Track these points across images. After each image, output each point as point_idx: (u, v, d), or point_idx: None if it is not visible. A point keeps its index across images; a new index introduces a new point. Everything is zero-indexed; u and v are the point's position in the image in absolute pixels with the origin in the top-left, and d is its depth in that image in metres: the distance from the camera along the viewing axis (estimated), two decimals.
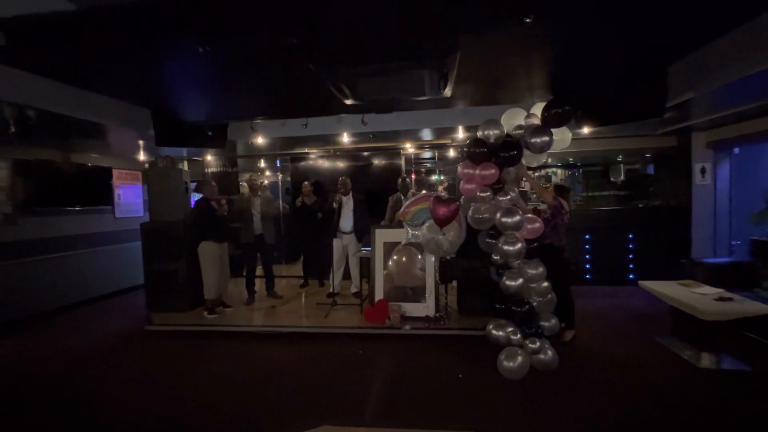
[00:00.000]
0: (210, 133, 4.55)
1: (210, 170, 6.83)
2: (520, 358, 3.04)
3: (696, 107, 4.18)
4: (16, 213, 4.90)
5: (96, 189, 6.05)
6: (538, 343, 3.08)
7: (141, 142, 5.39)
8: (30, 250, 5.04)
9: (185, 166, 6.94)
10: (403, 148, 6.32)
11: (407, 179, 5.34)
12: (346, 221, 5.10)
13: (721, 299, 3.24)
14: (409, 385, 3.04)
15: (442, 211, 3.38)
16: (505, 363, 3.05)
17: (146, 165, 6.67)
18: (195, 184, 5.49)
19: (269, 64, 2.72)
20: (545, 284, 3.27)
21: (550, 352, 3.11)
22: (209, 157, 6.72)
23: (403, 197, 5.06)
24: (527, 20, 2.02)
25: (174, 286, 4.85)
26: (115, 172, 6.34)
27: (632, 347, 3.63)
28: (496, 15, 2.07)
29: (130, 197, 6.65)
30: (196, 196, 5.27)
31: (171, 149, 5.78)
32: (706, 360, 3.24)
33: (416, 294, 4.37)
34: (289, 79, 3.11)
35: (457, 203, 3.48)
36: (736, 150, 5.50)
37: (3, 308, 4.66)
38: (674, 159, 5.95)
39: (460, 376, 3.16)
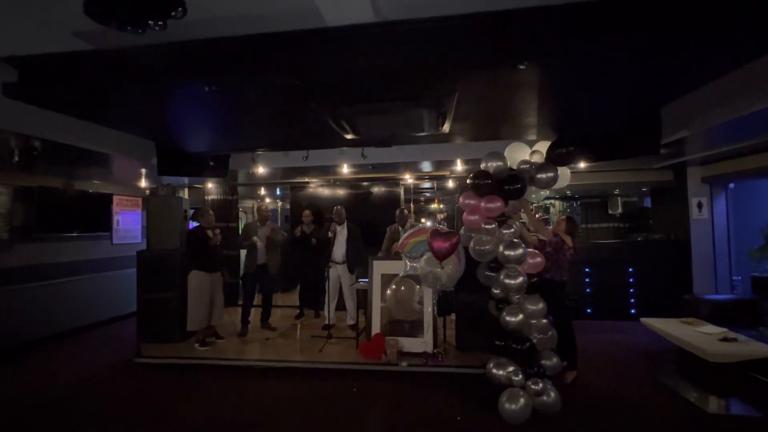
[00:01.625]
0: (212, 164, 4.62)
1: (210, 197, 6.87)
2: (522, 401, 2.92)
3: (691, 144, 4.27)
4: (12, 239, 4.88)
5: (95, 215, 6.05)
6: (540, 384, 2.97)
7: (143, 170, 5.45)
8: (24, 277, 4.98)
9: (186, 193, 6.99)
10: (403, 179, 6.40)
11: (405, 210, 5.35)
12: (338, 251, 5.08)
13: (725, 339, 3.17)
14: (405, 429, 2.91)
15: (441, 245, 3.36)
16: (507, 405, 2.93)
17: (147, 191, 6.72)
18: (193, 211, 5.52)
19: (272, 102, 2.81)
20: (545, 321, 3.20)
21: (552, 394, 3.00)
22: (210, 185, 6.77)
23: (401, 228, 5.05)
24: (521, 66, 2.10)
25: (166, 316, 4.74)
26: (115, 199, 6.37)
27: (637, 389, 3.51)
28: (492, 61, 2.16)
29: (128, 223, 6.65)
30: (193, 224, 5.27)
31: (173, 177, 5.84)
32: (715, 404, 3.12)
33: (414, 328, 4.27)
34: (292, 115, 3.19)
35: (456, 237, 3.46)
36: (732, 185, 5.57)
37: None
38: (671, 193, 6.01)
39: (459, 418, 3.04)
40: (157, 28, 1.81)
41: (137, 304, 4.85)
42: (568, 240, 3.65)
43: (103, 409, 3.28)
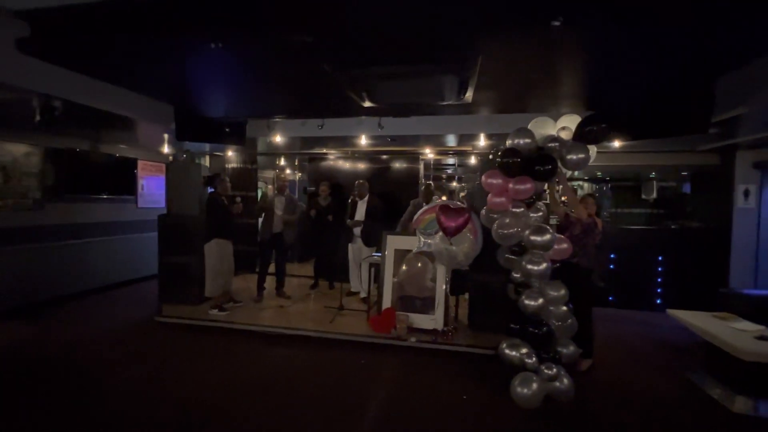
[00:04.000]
0: (228, 130, 4.57)
1: (230, 166, 6.91)
2: (535, 385, 2.80)
3: (746, 124, 3.83)
4: (44, 198, 5.10)
5: (121, 179, 6.24)
6: (554, 370, 2.85)
7: (166, 135, 5.50)
8: (55, 235, 5.23)
9: (207, 160, 7.07)
10: (423, 153, 6.18)
11: (431, 185, 5.16)
12: (356, 226, 5.05)
13: (762, 338, 2.92)
14: (409, 403, 2.90)
15: (450, 223, 3.22)
16: (519, 389, 2.82)
17: (170, 157, 6.83)
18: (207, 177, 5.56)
19: (284, 63, 2.66)
20: (564, 308, 3.05)
21: (566, 381, 2.88)
22: (230, 153, 6.80)
23: (425, 204, 4.89)
24: (555, 23, 1.86)
25: (186, 279, 4.89)
26: (140, 163, 6.52)
27: (658, 382, 3.34)
28: (521, 16, 1.91)
29: (153, 188, 6.82)
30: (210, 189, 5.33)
31: (194, 144, 5.88)
32: (741, 404, 2.93)
33: (425, 305, 4.21)
34: (306, 79, 3.04)
35: (467, 214, 3.31)
36: None
37: (25, 291, 4.85)
38: (715, 178, 5.52)
39: (465, 397, 2.99)
40: None
41: (159, 266, 5.02)
42: (599, 223, 3.41)
43: (125, 363, 3.45)
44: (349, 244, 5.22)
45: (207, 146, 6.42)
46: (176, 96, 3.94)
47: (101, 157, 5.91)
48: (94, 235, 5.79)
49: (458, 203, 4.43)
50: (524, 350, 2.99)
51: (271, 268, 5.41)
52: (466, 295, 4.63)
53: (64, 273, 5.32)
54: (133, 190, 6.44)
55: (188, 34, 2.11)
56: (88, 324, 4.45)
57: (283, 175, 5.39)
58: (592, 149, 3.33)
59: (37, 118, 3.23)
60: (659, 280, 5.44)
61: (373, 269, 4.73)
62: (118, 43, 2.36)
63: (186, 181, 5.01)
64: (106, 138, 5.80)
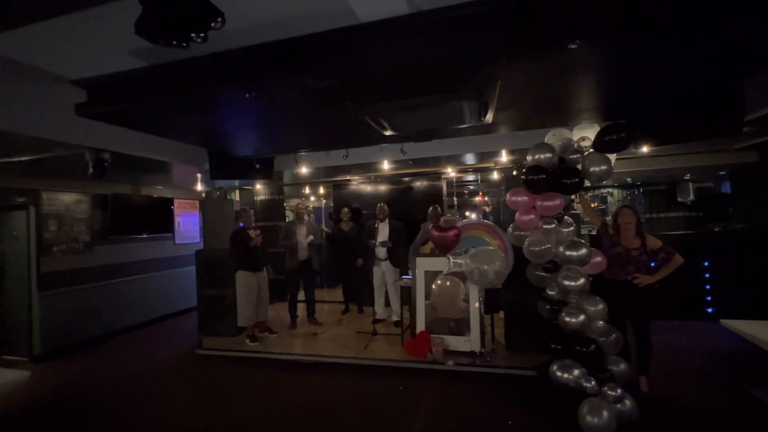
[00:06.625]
0: (258, 166, 4.81)
1: (259, 198, 7.19)
2: (605, 413, 2.58)
3: None
4: (92, 241, 5.47)
5: (160, 217, 6.60)
6: (619, 390, 2.68)
7: (199, 175, 5.83)
8: (103, 275, 5.57)
9: (237, 194, 7.39)
10: (444, 173, 6.24)
11: (438, 207, 5.16)
12: (380, 248, 5.08)
13: None
14: (452, 430, 2.83)
15: (440, 237, 3.46)
16: (590, 418, 2.60)
17: (203, 194, 7.19)
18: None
19: (310, 105, 2.83)
20: (602, 323, 2.94)
21: (628, 402, 2.70)
22: (258, 186, 7.09)
23: None
24: (572, 46, 1.90)
25: (223, 311, 5.06)
26: (176, 202, 6.90)
27: (720, 400, 3.11)
28: (537, 42, 1.98)
29: (188, 224, 7.17)
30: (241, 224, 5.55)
31: (225, 180, 6.19)
32: None
33: (460, 326, 4.15)
34: (330, 115, 3.21)
35: (456, 230, 3.48)
36: None
37: (75, 330, 5.14)
38: (756, 176, 5.25)
39: (510, 423, 2.90)
40: (198, 40, 1.88)
41: (197, 300, 5.23)
42: (651, 242, 3.37)
43: (168, 395, 3.57)
44: (374, 268, 5.23)
45: (236, 182, 6.73)
46: (210, 140, 4.22)
47: (141, 198, 6.31)
48: (137, 272, 6.11)
49: (485, 220, 4.42)
50: (576, 371, 2.84)
51: (301, 296, 5.51)
52: (501, 314, 4.53)
53: (110, 310, 5.62)
54: (171, 227, 6.79)
55: (226, 87, 2.31)
56: (134, 359, 4.65)
57: (301, 205, 5.54)
58: (612, 158, 3.28)
59: (90, 170, 3.53)
60: (707, 287, 5.13)
61: (400, 291, 4.73)
62: (161, 100, 2.59)
63: (220, 215, 5.27)
64: (146, 181, 6.20)
